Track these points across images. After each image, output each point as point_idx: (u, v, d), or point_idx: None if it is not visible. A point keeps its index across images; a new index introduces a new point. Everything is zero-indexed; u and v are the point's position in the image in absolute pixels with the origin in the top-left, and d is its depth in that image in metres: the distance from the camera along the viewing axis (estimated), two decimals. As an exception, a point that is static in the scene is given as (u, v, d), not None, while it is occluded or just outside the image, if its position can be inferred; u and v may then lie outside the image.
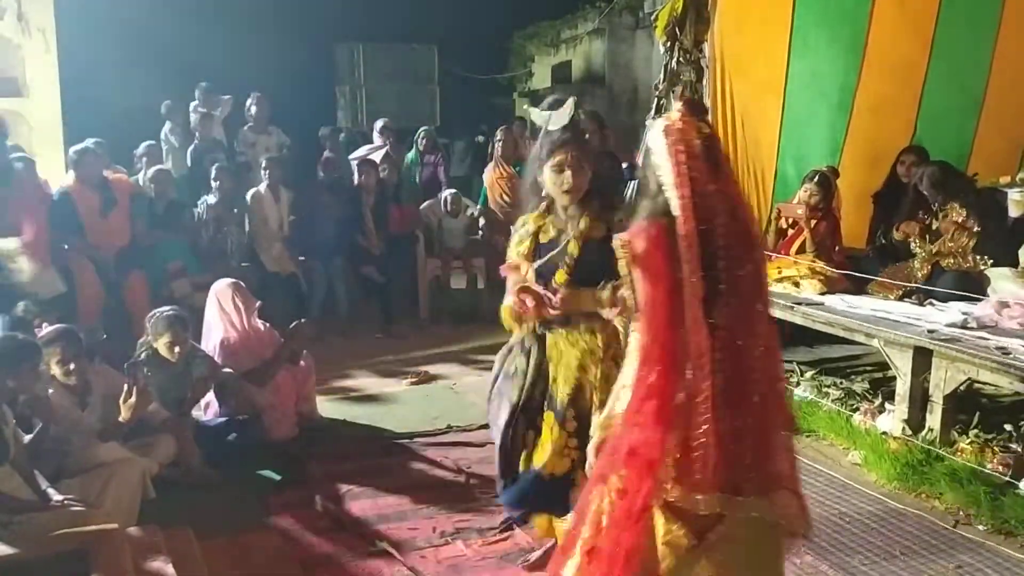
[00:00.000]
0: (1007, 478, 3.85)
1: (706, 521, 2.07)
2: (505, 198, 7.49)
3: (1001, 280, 4.65)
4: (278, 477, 4.17)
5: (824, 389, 5.01)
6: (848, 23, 5.81)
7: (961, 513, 3.71)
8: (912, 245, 5.17)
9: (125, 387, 3.58)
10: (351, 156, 8.07)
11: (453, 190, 7.71)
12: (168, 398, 4.16)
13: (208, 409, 4.62)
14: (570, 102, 2.84)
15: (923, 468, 4.00)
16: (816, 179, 5.45)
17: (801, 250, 5.43)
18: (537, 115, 2.84)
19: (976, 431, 4.20)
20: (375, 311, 7.13)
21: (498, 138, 7.86)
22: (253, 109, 7.98)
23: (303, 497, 3.92)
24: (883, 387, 4.90)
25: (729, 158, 2.14)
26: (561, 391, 2.86)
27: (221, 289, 4.83)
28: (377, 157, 7.72)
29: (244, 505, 3.86)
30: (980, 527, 3.60)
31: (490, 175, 7.77)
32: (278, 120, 8.25)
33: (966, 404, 4.44)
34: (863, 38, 5.78)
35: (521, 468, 2.94)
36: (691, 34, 6.63)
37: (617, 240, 2.10)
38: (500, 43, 13.04)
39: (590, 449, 2.26)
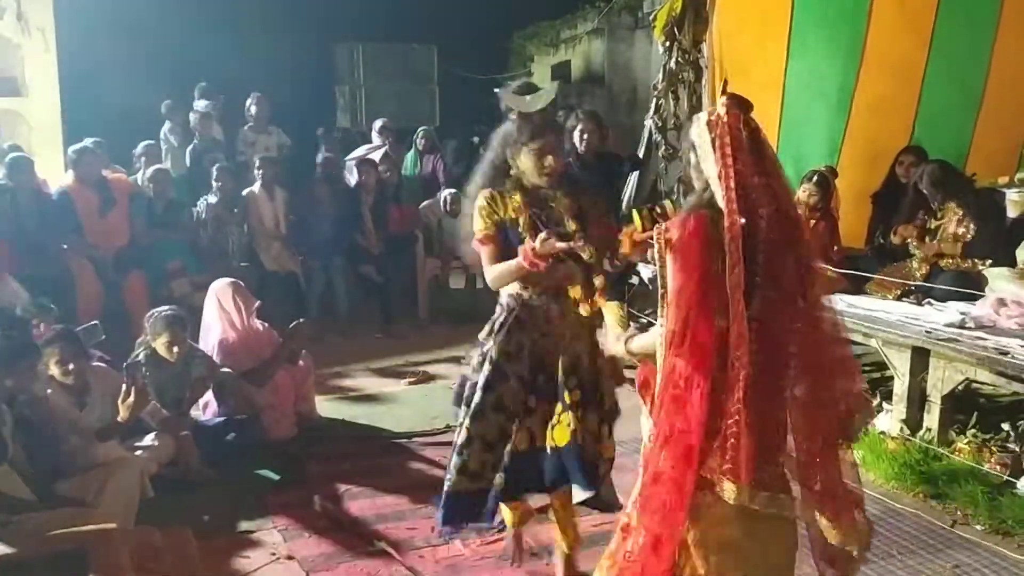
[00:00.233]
0: (1005, 478, 3.86)
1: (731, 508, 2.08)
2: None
3: (999, 280, 4.64)
4: (277, 477, 4.17)
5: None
6: (847, 23, 5.80)
7: (959, 513, 3.71)
8: (910, 246, 5.18)
9: (124, 387, 3.58)
10: (350, 156, 8.08)
11: (452, 190, 7.70)
12: (167, 398, 4.16)
13: (207, 409, 4.62)
14: (552, 87, 2.91)
15: (921, 468, 4.01)
16: (815, 179, 5.44)
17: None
18: (512, 98, 2.84)
19: (974, 431, 4.21)
20: (374, 311, 7.13)
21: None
22: (253, 109, 7.99)
23: (302, 497, 3.92)
24: (881, 387, 4.90)
25: (774, 151, 2.14)
26: (561, 367, 2.86)
27: (221, 288, 4.83)
28: (376, 157, 7.73)
29: (243, 505, 3.86)
30: (978, 527, 3.60)
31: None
32: (277, 120, 8.26)
33: (964, 404, 4.45)
34: (862, 38, 5.77)
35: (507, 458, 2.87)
36: (690, 34, 6.64)
37: (655, 229, 2.14)
38: (500, 43, 13.05)
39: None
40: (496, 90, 2.96)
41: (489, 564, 3.32)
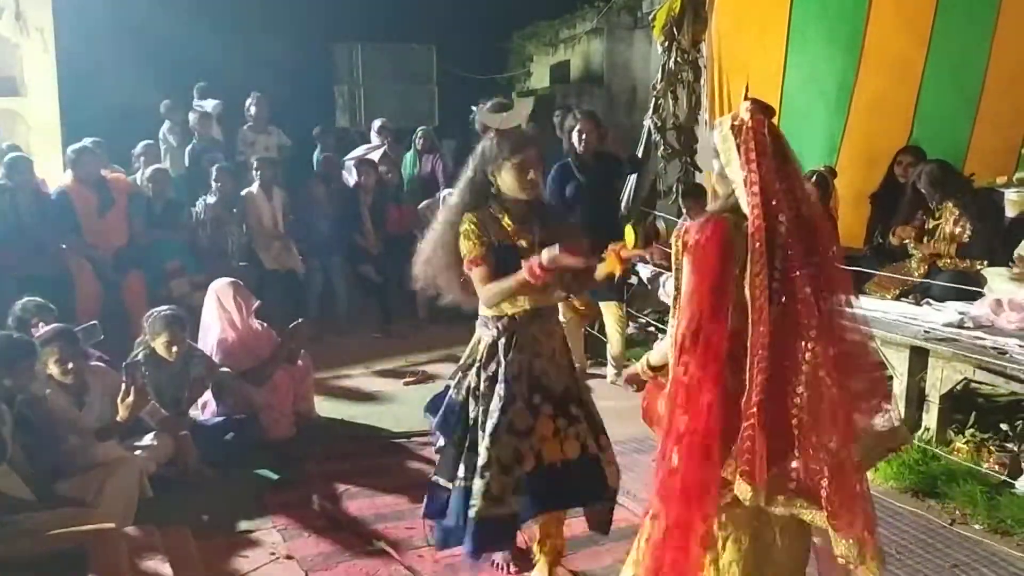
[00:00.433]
0: (1003, 477, 3.86)
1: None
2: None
3: (997, 280, 4.65)
4: (275, 476, 4.17)
5: (821, 389, 5.00)
6: (845, 22, 5.81)
7: (957, 512, 3.72)
8: (909, 246, 5.18)
9: (123, 386, 3.58)
10: (348, 156, 8.08)
11: (451, 189, 7.69)
12: (166, 397, 4.16)
13: (206, 408, 4.62)
14: (528, 102, 2.95)
15: (919, 467, 4.01)
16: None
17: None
18: (488, 116, 2.83)
19: (972, 431, 4.21)
20: (373, 311, 7.13)
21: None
22: (253, 109, 7.99)
23: (301, 496, 3.92)
24: (880, 387, 4.90)
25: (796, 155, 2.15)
26: (552, 383, 2.90)
27: (221, 287, 4.83)
28: (375, 157, 7.72)
29: (242, 504, 3.85)
30: (976, 526, 3.61)
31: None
32: (276, 120, 8.26)
33: (962, 404, 4.45)
34: (860, 37, 5.78)
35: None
36: (689, 34, 6.66)
37: (673, 233, 2.16)
38: (499, 43, 13.02)
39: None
40: (473, 108, 2.96)
41: (488, 564, 3.31)
